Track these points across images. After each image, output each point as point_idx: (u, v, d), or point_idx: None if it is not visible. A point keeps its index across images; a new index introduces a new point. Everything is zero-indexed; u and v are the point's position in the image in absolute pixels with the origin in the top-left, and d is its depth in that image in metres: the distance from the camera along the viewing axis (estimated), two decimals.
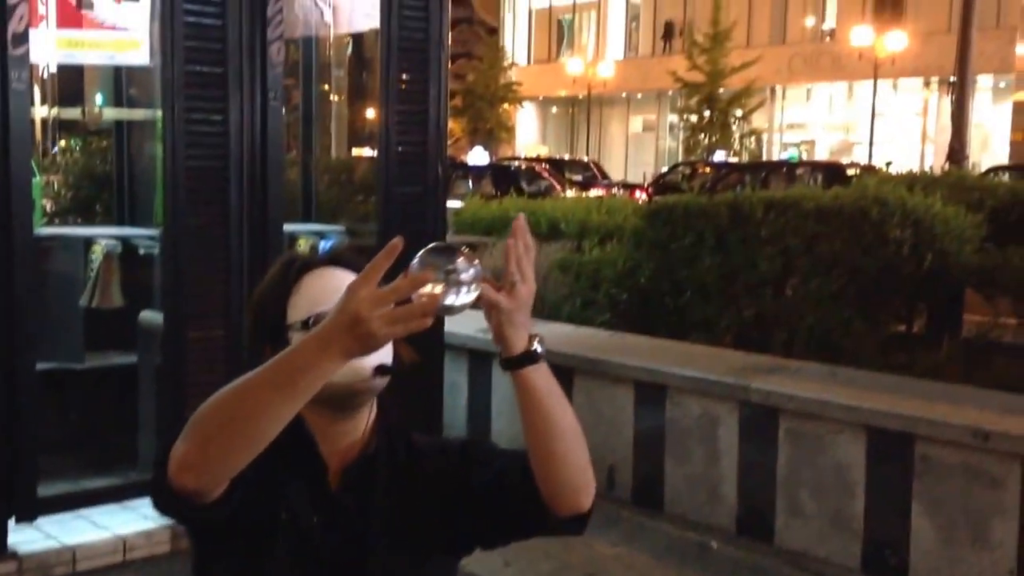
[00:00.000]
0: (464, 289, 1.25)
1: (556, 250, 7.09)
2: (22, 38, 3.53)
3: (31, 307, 3.75)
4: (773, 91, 33.66)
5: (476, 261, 1.27)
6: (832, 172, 18.26)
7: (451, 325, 5.11)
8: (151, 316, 4.48)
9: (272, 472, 1.42)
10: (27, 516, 3.81)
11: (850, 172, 17.94)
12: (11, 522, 3.76)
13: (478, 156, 24.28)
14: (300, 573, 1.43)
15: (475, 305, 1.30)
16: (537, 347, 1.38)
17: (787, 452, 4.14)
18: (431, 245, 1.27)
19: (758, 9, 34.22)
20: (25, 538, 3.81)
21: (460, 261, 1.25)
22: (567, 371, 4.97)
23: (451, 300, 1.23)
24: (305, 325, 1.43)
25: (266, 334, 1.48)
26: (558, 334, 5.51)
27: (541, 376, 1.39)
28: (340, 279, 1.46)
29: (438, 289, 1.22)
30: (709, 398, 4.41)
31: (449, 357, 5.17)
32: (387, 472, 1.48)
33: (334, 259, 1.51)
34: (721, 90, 29.59)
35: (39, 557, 3.75)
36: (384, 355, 1.43)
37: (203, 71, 3.97)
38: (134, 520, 4.08)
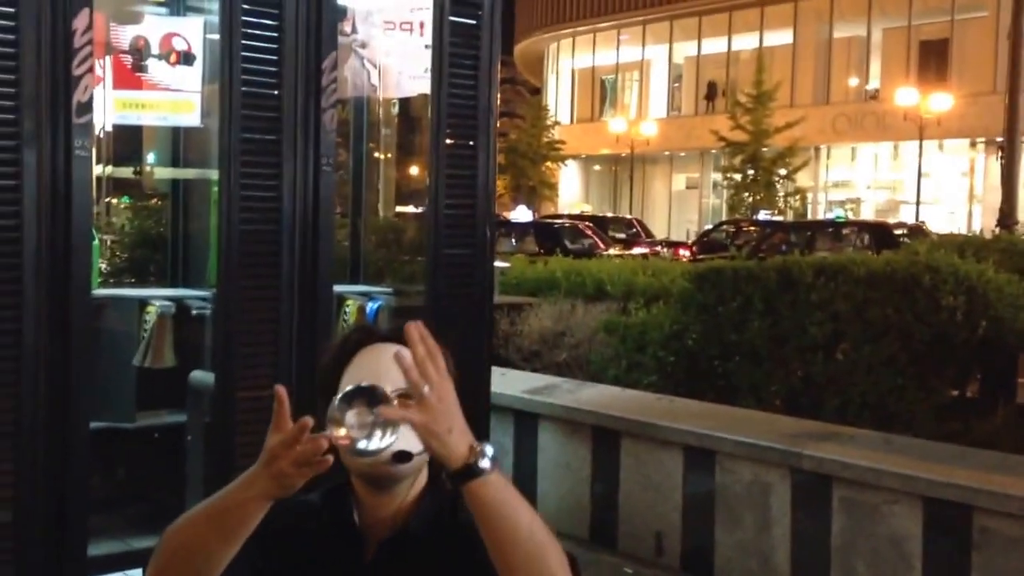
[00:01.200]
0: (379, 433, 1.27)
1: (601, 311, 7.10)
2: (86, 107, 3.62)
3: (86, 367, 3.80)
4: (817, 150, 33.61)
5: (394, 403, 1.28)
6: (879, 232, 18.13)
7: (497, 385, 5.11)
8: (201, 376, 4.52)
9: (308, 541, 1.44)
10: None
11: (897, 232, 17.80)
12: None
13: (521, 214, 24.44)
14: None
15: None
16: (480, 460, 1.29)
17: (841, 521, 4.06)
18: (350, 388, 1.29)
19: (801, 70, 34.31)
20: None
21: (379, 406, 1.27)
22: (614, 434, 4.94)
23: (364, 444, 1.27)
24: (345, 398, 1.44)
25: (324, 404, 1.49)
26: (604, 396, 5.49)
27: (490, 489, 1.30)
28: (382, 356, 1.48)
29: (354, 433, 1.26)
30: (760, 464, 4.35)
31: (495, 418, 5.16)
32: (421, 549, 1.46)
33: (391, 335, 1.52)
34: (765, 149, 29.62)
35: None
36: (407, 440, 1.41)
37: (259, 138, 4.04)
38: None
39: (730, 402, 5.48)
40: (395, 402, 1.29)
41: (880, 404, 5.33)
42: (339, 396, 1.29)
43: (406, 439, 1.41)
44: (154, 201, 6.76)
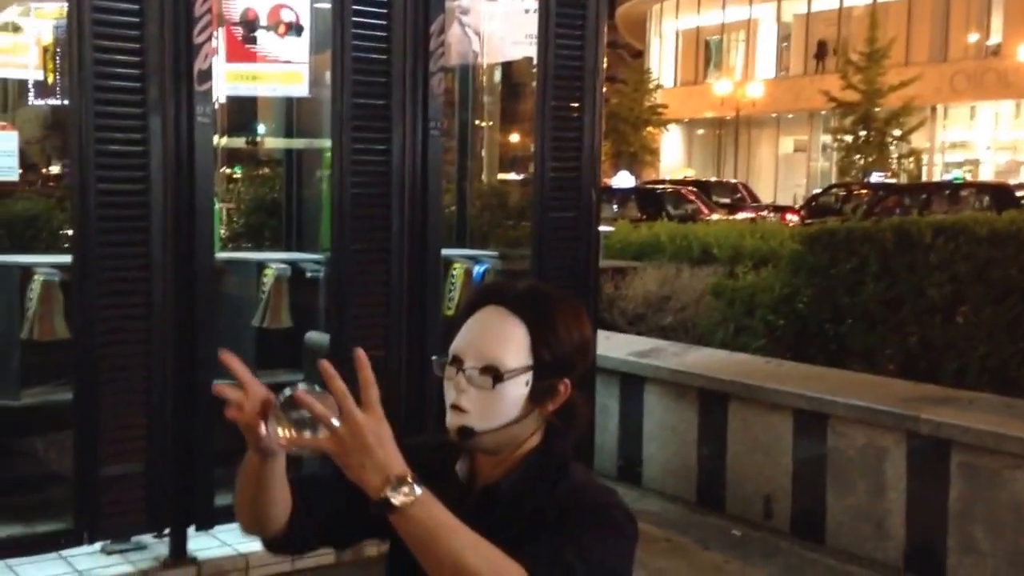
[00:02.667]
0: (309, 434, 1.29)
1: (708, 275, 7.03)
2: (206, 75, 3.74)
3: (209, 326, 3.95)
4: (934, 110, 32.40)
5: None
6: (1000, 193, 17.39)
7: (603, 348, 5.12)
8: (316, 336, 4.65)
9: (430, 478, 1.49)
10: (205, 524, 3.99)
11: (1019, 194, 17.07)
12: (191, 530, 3.95)
13: (623, 179, 24.22)
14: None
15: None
16: (393, 496, 1.25)
17: (959, 487, 3.97)
18: (289, 393, 1.31)
19: (917, 26, 33.04)
20: (203, 545, 3.99)
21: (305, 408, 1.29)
22: (722, 396, 4.91)
23: (296, 451, 1.32)
24: (441, 362, 1.50)
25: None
26: (711, 359, 5.45)
27: (406, 523, 1.26)
28: (489, 322, 1.48)
29: (292, 434, 1.30)
30: (875, 428, 4.27)
31: (600, 380, 5.18)
32: (507, 509, 1.47)
33: (504, 297, 1.51)
34: (877, 109, 28.67)
35: (216, 563, 3.93)
36: (472, 416, 1.45)
37: (369, 103, 4.11)
38: None
39: (842, 367, 5.37)
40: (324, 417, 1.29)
41: (1001, 369, 5.16)
42: (282, 398, 1.32)
43: (473, 415, 1.44)
44: (266, 170, 6.93)
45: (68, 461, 3.86)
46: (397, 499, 1.25)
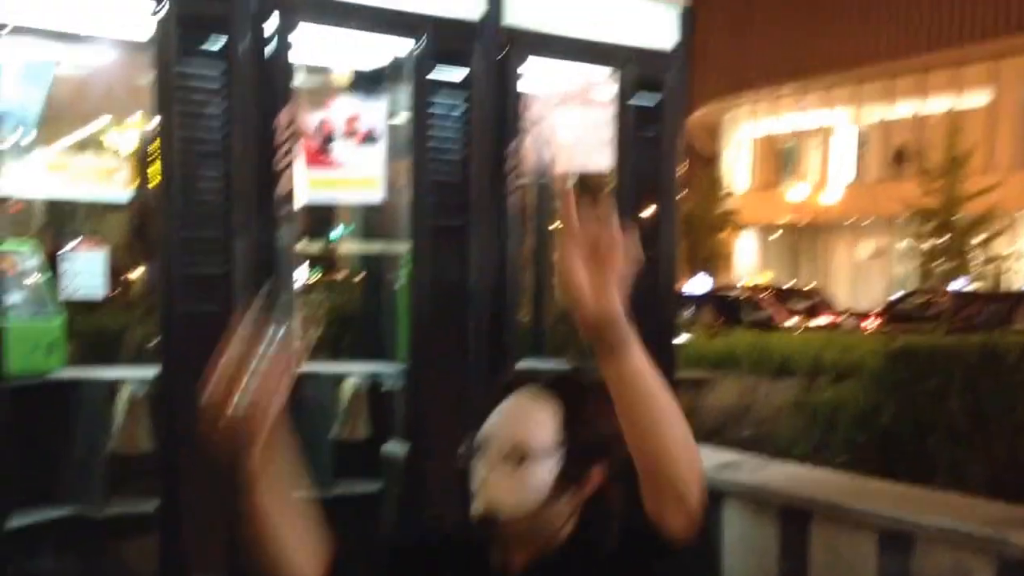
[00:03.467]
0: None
1: (787, 387, 6.93)
2: (288, 198, 3.88)
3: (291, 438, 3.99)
4: (1016, 217, 31.85)
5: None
6: None
7: None
8: (394, 447, 4.68)
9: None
10: None
11: None
12: None
13: (700, 284, 24.13)
14: None
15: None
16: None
17: None
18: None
19: (1000, 132, 32.76)
20: None
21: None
22: (803, 514, 4.78)
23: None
24: (469, 450, 1.47)
25: None
26: (792, 474, 5.33)
27: (633, 361, 1.26)
28: (518, 404, 1.45)
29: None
30: (962, 550, 4.13)
31: None
32: None
33: (545, 383, 1.49)
34: (957, 217, 28.28)
35: None
36: (498, 504, 1.41)
37: (446, 224, 4.20)
38: None
39: (926, 483, 5.21)
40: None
41: None
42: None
43: (496, 503, 1.40)
44: (342, 276, 7.04)
45: (152, 570, 3.89)
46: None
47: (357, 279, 5.93)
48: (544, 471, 1.42)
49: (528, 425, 1.43)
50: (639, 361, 1.21)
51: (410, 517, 4.35)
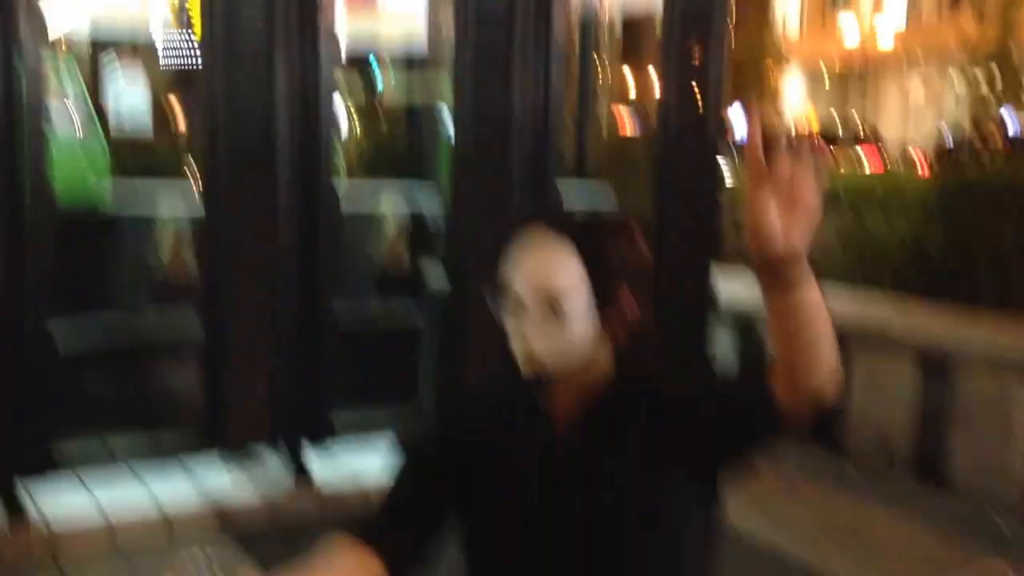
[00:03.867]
0: None
1: (834, 217, 6.82)
2: (330, 15, 3.81)
3: (332, 258, 4.06)
4: None
5: None
6: None
7: (725, 289, 5.04)
8: (436, 276, 4.72)
9: (497, 432, 1.47)
10: (321, 442, 4.14)
11: None
12: (308, 446, 4.09)
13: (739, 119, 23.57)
14: (531, 537, 1.43)
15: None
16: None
17: None
18: None
19: None
20: (320, 461, 4.13)
21: None
22: (844, 338, 4.78)
23: None
24: (495, 295, 1.42)
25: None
26: (836, 299, 5.33)
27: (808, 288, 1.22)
28: (546, 249, 1.40)
29: None
30: (1005, 376, 4.14)
31: (718, 321, 5.12)
32: (618, 423, 1.43)
33: (561, 225, 1.44)
34: (1012, 53, 27.14)
35: (333, 484, 4.05)
36: (546, 355, 1.38)
37: (490, 57, 4.11)
38: None
39: (972, 310, 5.20)
40: None
41: None
42: None
43: (543, 349, 1.38)
44: (391, 113, 6.98)
45: (195, 376, 4.04)
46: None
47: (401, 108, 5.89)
48: (580, 313, 1.40)
49: (557, 272, 1.38)
50: (812, 293, 1.21)
51: (450, 351, 4.41)
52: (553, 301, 1.38)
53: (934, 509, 4.22)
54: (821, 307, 1.23)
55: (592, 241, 1.42)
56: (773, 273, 1.19)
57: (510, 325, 1.41)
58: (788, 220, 1.16)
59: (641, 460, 1.41)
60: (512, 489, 1.44)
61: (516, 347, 1.41)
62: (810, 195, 1.15)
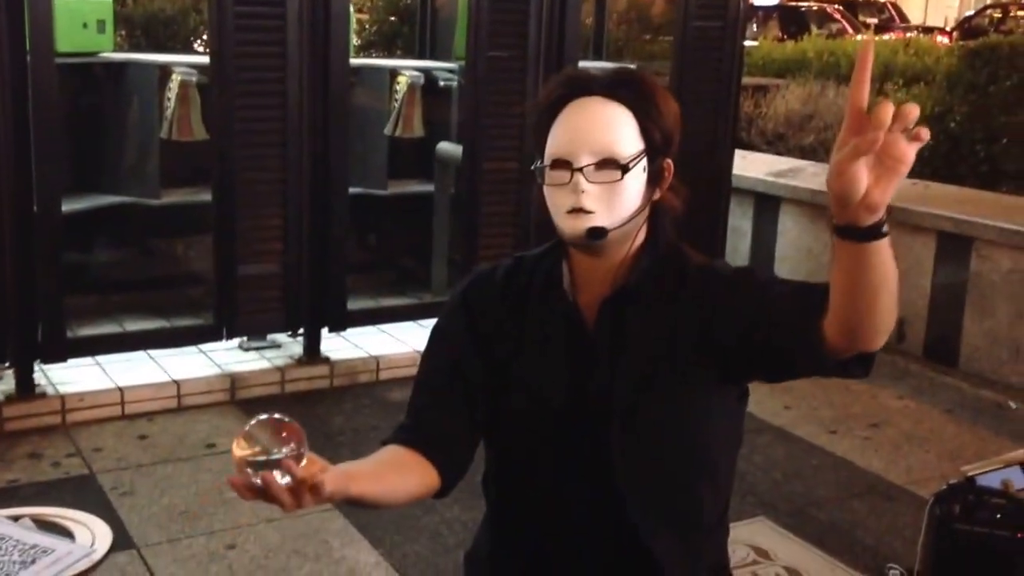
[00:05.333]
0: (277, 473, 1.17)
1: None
2: None
3: (344, 132, 3.95)
4: None
5: (292, 444, 1.17)
6: None
7: (739, 168, 4.97)
8: (448, 147, 4.63)
9: (518, 305, 1.44)
10: (337, 327, 4.13)
11: None
12: (324, 331, 4.09)
13: None
14: (544, 415, 1.41)
15: None
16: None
17: None
18: (256, 421, 1.18)
19: None
20: (335, 346, 4.15)
21: (277, 445, 1.17)
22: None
23: (262, 458, 1.17)
24: (542, 169, 1.37)
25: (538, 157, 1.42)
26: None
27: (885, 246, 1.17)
28: (590, 114, 1.36)
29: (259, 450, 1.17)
30: (1023, 252, 4.08)
31: (734, 201, 5.06)
32: (646, 303, 1.40)
33: (602, 87, 1.38)
34: None
35: (348, 363, 4.07)
36: (602, 216, 1.34)
37: None
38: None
39: (992, 189, 5.11)
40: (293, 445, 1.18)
41: None
42: (248, 427, 1.19)
43: (600, 213, 1.34)
44: None
45: (208, 260, 3.99)
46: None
47: None
48: (638, 176, 1.37)
49: (613, 133, 1.35)
50: (883, 250, 1.14)
51: (463, 218, 4.36)
52: (615, 162, 1.35)
53: (937, 387, 4.22)
54: (890, 265, 1.17)
55: (640, 96, 1.38)
56: (849, 220, 1.12)
57: (559, 192, 1.36)
58: (876, 172, 1.09)
59: (669, 347, 1.38)
60: (538, 363, 1.42)
61: (563, 207, 1.35)
62: (902, 153, 1.07)
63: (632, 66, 1.50)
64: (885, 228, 1.13)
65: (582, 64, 4.58)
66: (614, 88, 1.38)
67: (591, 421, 1.38)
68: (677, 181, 1.44)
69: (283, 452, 1.17)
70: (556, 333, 1.42)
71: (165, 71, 4.07)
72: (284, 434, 1.18)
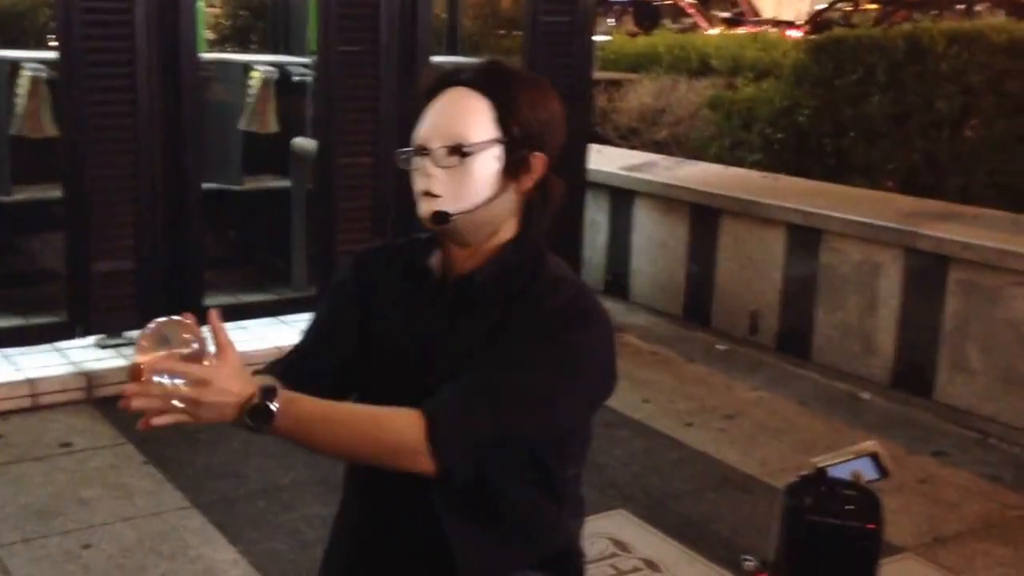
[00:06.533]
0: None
1: (706, 87, 6.82)
2: None
3: (196, 127, 3.87)
4: None
5: (193, 343, 1.23)
6: (1018, 9, 16.78)
7: (594, 162, 5.01)
8: (303, 142, 4.54)
9: (392, 284, 1.50)
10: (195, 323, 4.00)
11: None
12: None
13: None
14: (382, 375, 1.47)
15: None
16: (248, 421, 1.27)
17: (955, 304, 3.96)
18: (158, 321, 1.24)
19: None
20: None
21: (178, 339, 1.23)
22: (714, 211, 4.84)
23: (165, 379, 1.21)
24: (406, 154, 1.43)
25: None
26: (705, 173, 5.36)
27: (283, 432, 1.29)
28: (449, 103, 1.41)
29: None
30: (872, 244, 4.22)
31: (590, 195, 5.10)
32: (486, 296, 1.44)
33: (467, 79, 1.43)
34: None
35: None
36: (448, 201, 1.39)
37: None
38: (290, 333, 4.22)
39: (841, 182, 5.28)
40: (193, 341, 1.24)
41: (1010, 185, 5.03)
42: (150, 326, 1.24)
43: (446, 198, 1.39)
44: None
45: (61, 257, 3.88)
46: (256, 423, 1.26)
47: None
48: (487, 164, 1.41)
49: (463, 121, 1.40)
50: (298, 423, 1.30)
51: (320, 213, 4.29)
52: (464, 149, 1.39)
53: (791, 378, 4.34)
54: (337, 433, 1.31)
55: (502, 88, 1.42)
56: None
57: (414, 176, 1.42)
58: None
59: (465, 342, 1.42)
60: (392, 329, 1.48)
61: (417, 192, 1.42)
62: None
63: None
64: (256, 425, 1.25)
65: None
66: (476, 79, 1.42)
67: (418, 393, 1.38)
68: (552, 176, 1.48)
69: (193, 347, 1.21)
70: (414, 303, 1.47)
71: (15, 67, 3.94)
72: (185, 334, 1.22)
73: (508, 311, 1.41)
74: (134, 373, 1.20)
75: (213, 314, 1.28)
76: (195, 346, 1.21)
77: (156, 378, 1.18)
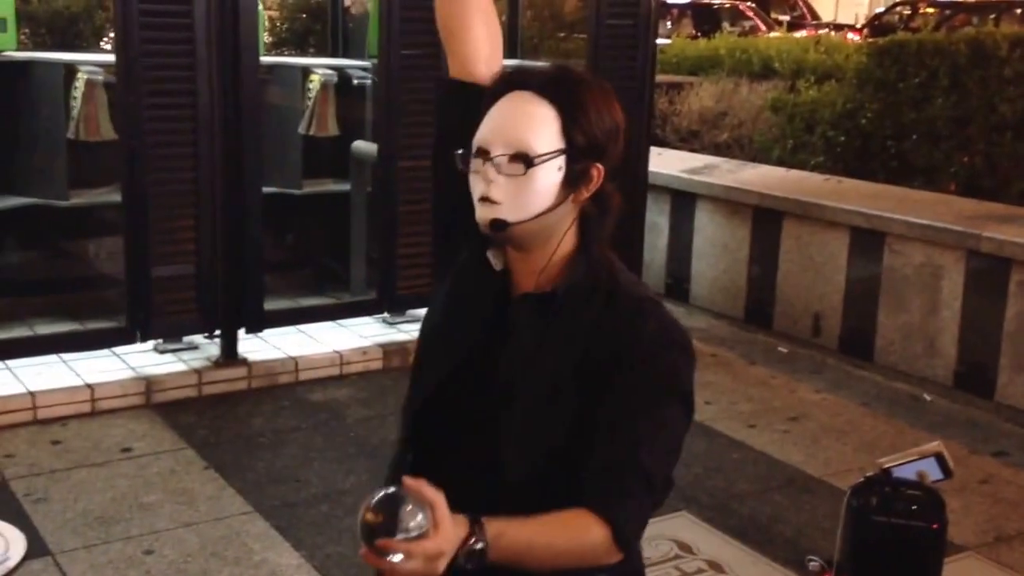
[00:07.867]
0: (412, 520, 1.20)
1: (768, 90, 6.78)
2: None
3: (256, 131, 3.89)
4: None
5: (419, 516, 1.20)
6: None
7: (655, 165, 5.00)
8: (363, 146, 4.58)
9: (469, 276, 1.47)
10: (255, 328, 4.05)
11: None
12: (241, 332, 4.01)
13: None
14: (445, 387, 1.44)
15: None
16: (476, 543, 1.25)
17: (1017, 306, 3.90)
18: (381, 494, 1.21)
19: None
20: (253, 347, 4.06)
21: (406, 515, 1.20)
22: (776, 214, 4.81)
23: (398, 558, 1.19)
24: (466, 155, 1.39)
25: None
26: (768, 177, 5.32)
27: (496, 562, 1.27)
28: (515, 107, 1.38)
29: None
30: (934, 246, 4.17)
31: (651, 198, 5.09)
32: (564, 314, 1.40)
33: (533, 83, 1.39)
34: None
35: (266, 364, 3.99)
36: (507, 208, 1.36)
37: None
38: (349, 338, 4.28)
39: (903, 185, 5.22)
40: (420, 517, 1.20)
41: None
42: (370, 503, 1.20)
43: (505, 205, 1.35)
44: None
45: (119, 262, 3.90)
46: (471, 562, 1.25)
47: None
48: (549, 174, 1.37)
49: (529, 129, 1.36)
50: (506, 554, 1.28)
51: (380, 217, 4.32)
52: (527, 157, 1.35)
53: (853, 380, 4.29)
54: (540, 555, 1.32)
55: (570, 96, 1.38)
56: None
57: (474, 179, 1.38)
58: None
59: (552, 367, 1.38)
60: (457, 319, 1.46)
61: (476, 196, 1.38)
62: None
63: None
64: (472, 566, 1.23)
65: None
66: (545, 86, 1.38)
67: (472, 401, 1.39)
68: (611, 188, 1.43)
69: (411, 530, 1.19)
70: (484, 299, 1.44)
71: (71, 70, 3.97)
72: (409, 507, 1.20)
73: (597, 338, 1.38)
74: (371, 549, 1.20)
75: (428, 491, 1.22)
76: (422, 522, 1.19)
77: (390, 557, 1.19)
